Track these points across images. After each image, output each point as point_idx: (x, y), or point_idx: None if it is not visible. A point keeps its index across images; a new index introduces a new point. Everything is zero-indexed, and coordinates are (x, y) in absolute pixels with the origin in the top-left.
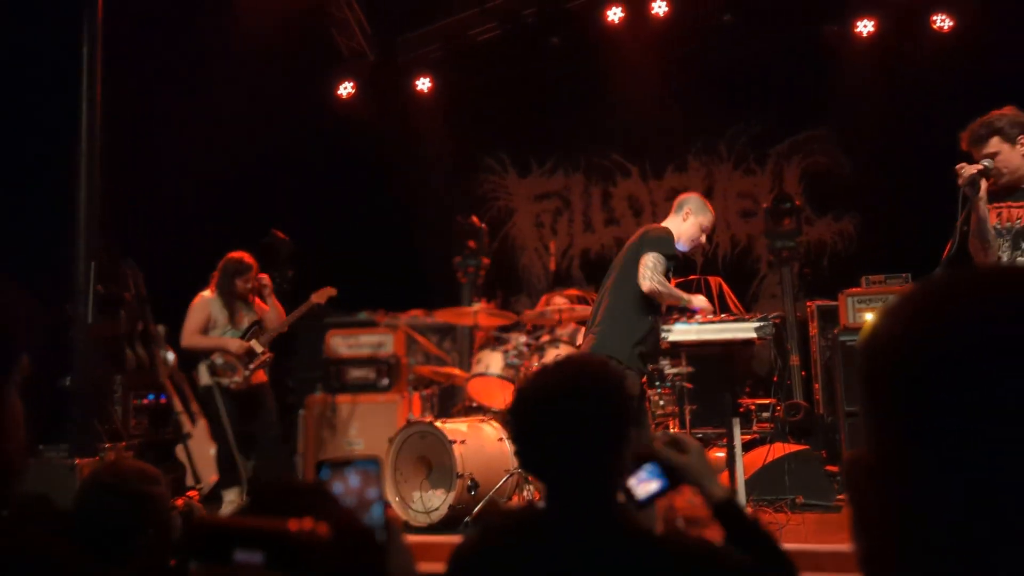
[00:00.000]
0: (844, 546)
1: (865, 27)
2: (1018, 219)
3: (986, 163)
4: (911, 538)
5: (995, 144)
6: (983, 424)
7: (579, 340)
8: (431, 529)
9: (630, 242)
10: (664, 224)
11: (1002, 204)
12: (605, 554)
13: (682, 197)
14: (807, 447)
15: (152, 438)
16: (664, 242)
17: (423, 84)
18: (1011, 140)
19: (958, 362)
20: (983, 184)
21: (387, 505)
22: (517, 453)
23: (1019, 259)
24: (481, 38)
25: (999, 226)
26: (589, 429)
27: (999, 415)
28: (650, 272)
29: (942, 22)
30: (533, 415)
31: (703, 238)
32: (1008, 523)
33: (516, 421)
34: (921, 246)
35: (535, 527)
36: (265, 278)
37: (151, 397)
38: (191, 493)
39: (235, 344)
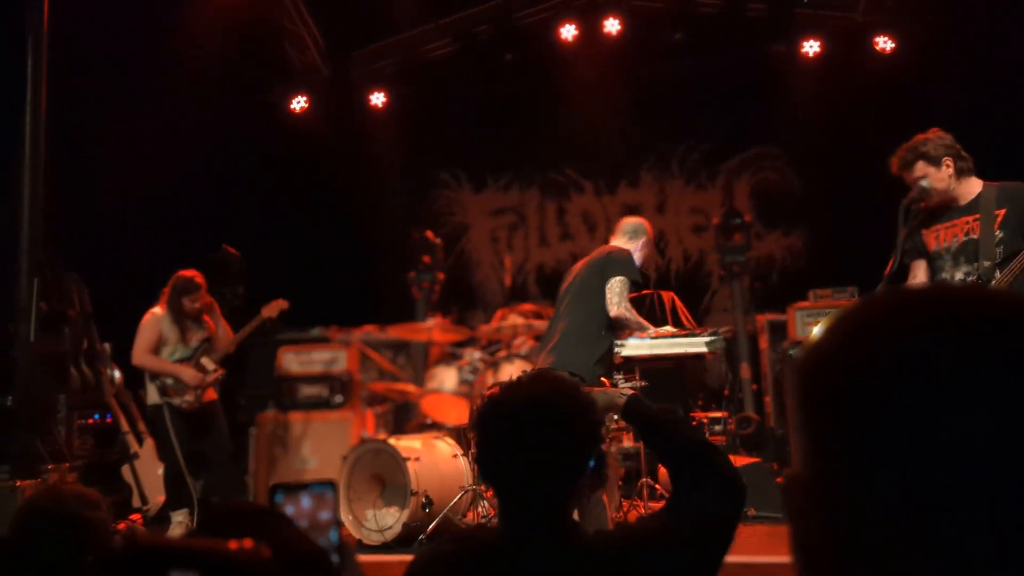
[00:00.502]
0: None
1: (811, 47)
2: (954, 238)
3: (923, 183)
4: (844, 555)
5: (921, 168)
6: (911, 441)
7: (536, 356)
8: (385, 548)
9: (588, 261)
10: (620, 246)
11: (939, 226)
12: (557, 572)
13: (634, 222)
14: (758, 459)
15: (97, 459)
16: (630, 266)
17: (377, 99)
18: (936, 163)
19: (885, 379)
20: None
21: (341, 526)
22: (478, 464)
23: (958, 276)
24: (435, 54)
25: (939, 248)
26: (555, 449)
27: (926, 432)
28: (618, 298)
29: (884, 43)
30: (500, 429)
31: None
32: (938, 539)
33: (482, 433)
34: (866, 261)
35: (487, 547)
36: (212, 301)
37: (96, 417)
38: (134, 516)
39: (189, 374)
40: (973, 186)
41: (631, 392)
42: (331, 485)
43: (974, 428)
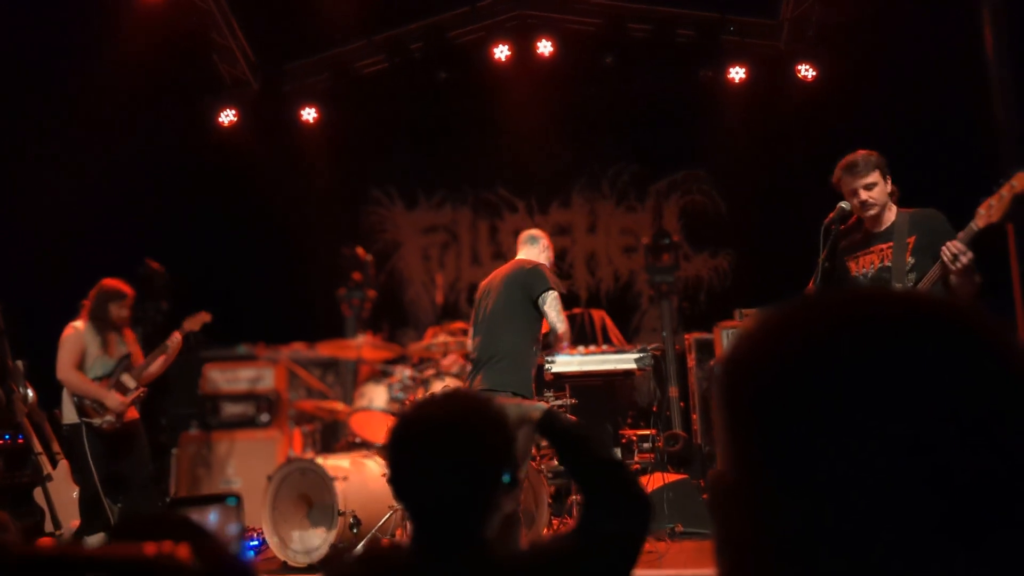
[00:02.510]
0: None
1: (737, 73)
2: (871, 264)
3: (843, 205)
4: (766, 555)
5: (875, 176)
6: (823, 442)
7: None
8: (311, 569)
9: (505, 276)
10: (529, 259)
11: (859, 253)
12: None
13: (531, 232)
14: (686, 476)
15: (8, 481)
16: (555, 280)
17: (308, 114)
18: (885, 176)
19: (795, 382)
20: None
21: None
22: (391, 483)
23: None
24: (368, 70)
25: (858, 274)
26: (466, 466)
27: (837, 433)
28: (558, 313)
29: (806, 71)
30: (411, 447)
31: None
32: (856, 539)
33: (393, 451)
34: (790, 281)
35: (398, 567)
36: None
37: (7, 437)
38: (44, 540)
39: (113, 401)
40: (891, 213)
41: (547, 406)
42: (233, 497)
43: (884, 427)
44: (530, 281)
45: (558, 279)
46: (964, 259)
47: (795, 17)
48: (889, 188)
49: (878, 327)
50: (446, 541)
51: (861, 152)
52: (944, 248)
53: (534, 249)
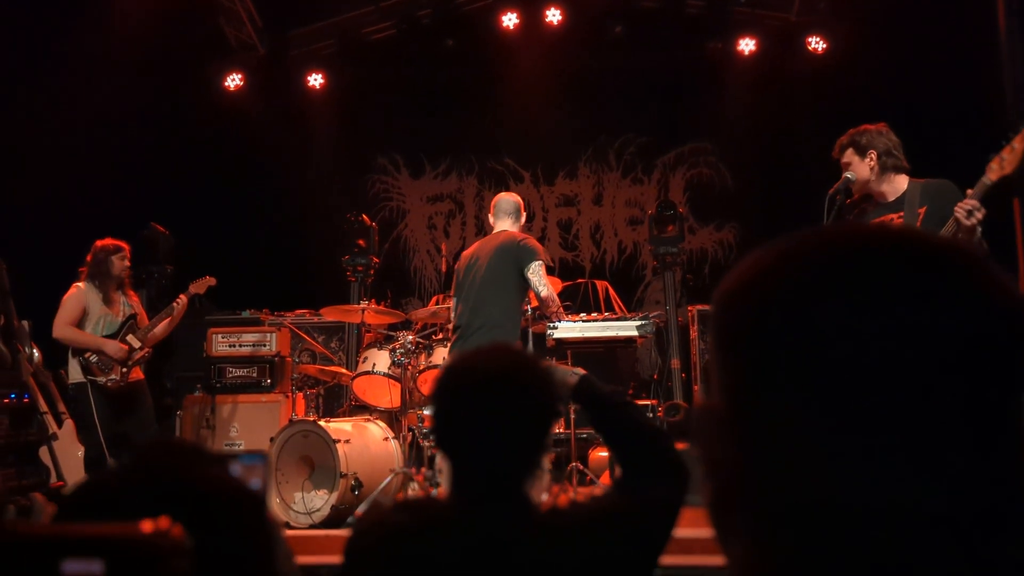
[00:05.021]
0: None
1: (747, 45)
2: None
3: (847, 174)
4: (753, 481)
5: (848, 155)
6: (812, 369)
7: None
8: (312, 530)
9: (494, 248)
10: (512, 230)
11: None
12: (513, 546)
13: (513, 201)
14: (686, 446)
15: (13, 439)
16: (541, 250)
17: (315, 80)
18: (861, 153)
19: (789, 308)
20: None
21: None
22: (435, 432)
23: None
24: (376, 36)
25: None
26: (516, 420)
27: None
28: (541, 278)
29: (816, 44)
30: (460, 397)
31: None
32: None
33: (441, 400)
34: None
35: (439, 518)
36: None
37: (13, 396)
38: (36, 494)
39: (112, 347)
40: (900, 183)
41: (583, 372)
42: (261, 455)
43: (872, 354)
44: (521, 254)
45: (544, 248)
46: (979, 214)
47: None
48: (872, 163)
49: (870, 257)
50: (488, 494)
51: (851, 130)
52: (958, 206)
53: (516, 222)
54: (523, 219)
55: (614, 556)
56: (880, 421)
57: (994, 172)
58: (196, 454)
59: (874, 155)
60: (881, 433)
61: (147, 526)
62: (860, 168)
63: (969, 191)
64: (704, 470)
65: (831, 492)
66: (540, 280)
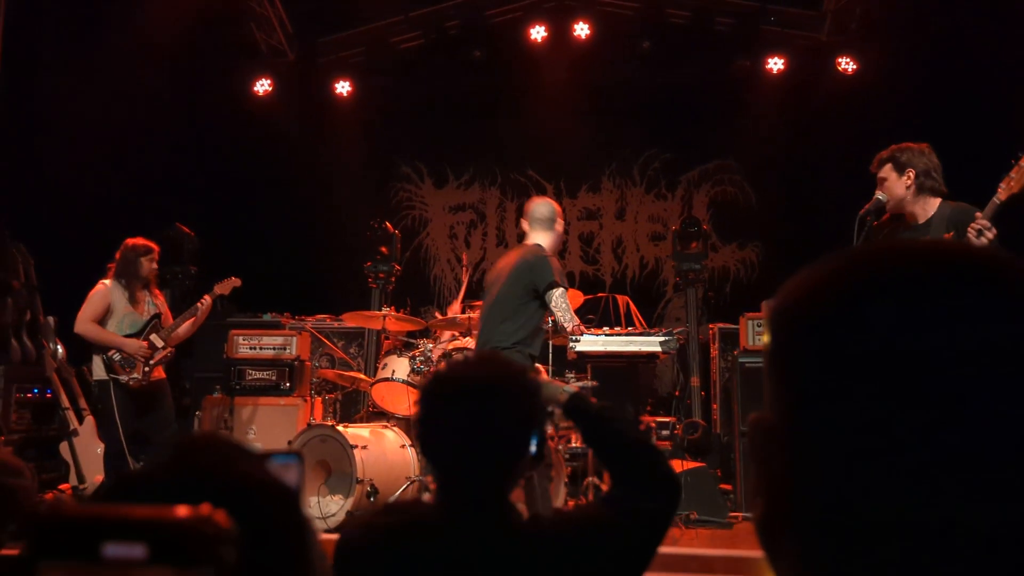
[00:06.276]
0: (734, 551)
1: (776, 64)
2: None
3: (879, 196)
4: (803, 496)
5: (886, 170)
6: (862, 385)
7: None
8: (329, 534)
9: (513, 264)
10: (541, 242)
11: None
12: (493, 552)
13: (539, 204)
14: (703, 464)
15: (35, 434)
16: (558, 269)
17: (343, 87)
18: (899, 170)
19: (842, 323)
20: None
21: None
22: (419, 439)
23: None
24: (404, 46)
25: None
26: (497, 429)
27: (877, 376)
28: (564, 312)
29: (847, 64)
30: (443, 405)
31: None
32: (884, 484)
33: (425, 408)
34: None
35: (422, 523)
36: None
37: (36, 391)
38: (63, 486)
39: (133, 346)
40: (931, 206)
41: (575, 389)
42: (296, 455)
43: (931, 368)
44: (535, 275)
45: (560, 265)
46: (989, 234)
47: (838, 9)
48: (909, 182)
49: (922, 274)
50: (469, 500)
51: (894, 146)
52: (969, 227)
53: (550, 231)
54: (560, 226)
55: (596, 567)
56: (940, 438)
57: (1003, 192)
58: (236, 449)
59: (912, 174)
60: (941, 450)
61: (183, 511)
62: (896, 185)
63: (978, 213)
64: (755, 486)
65: (887, 509)
66: (563, 314)
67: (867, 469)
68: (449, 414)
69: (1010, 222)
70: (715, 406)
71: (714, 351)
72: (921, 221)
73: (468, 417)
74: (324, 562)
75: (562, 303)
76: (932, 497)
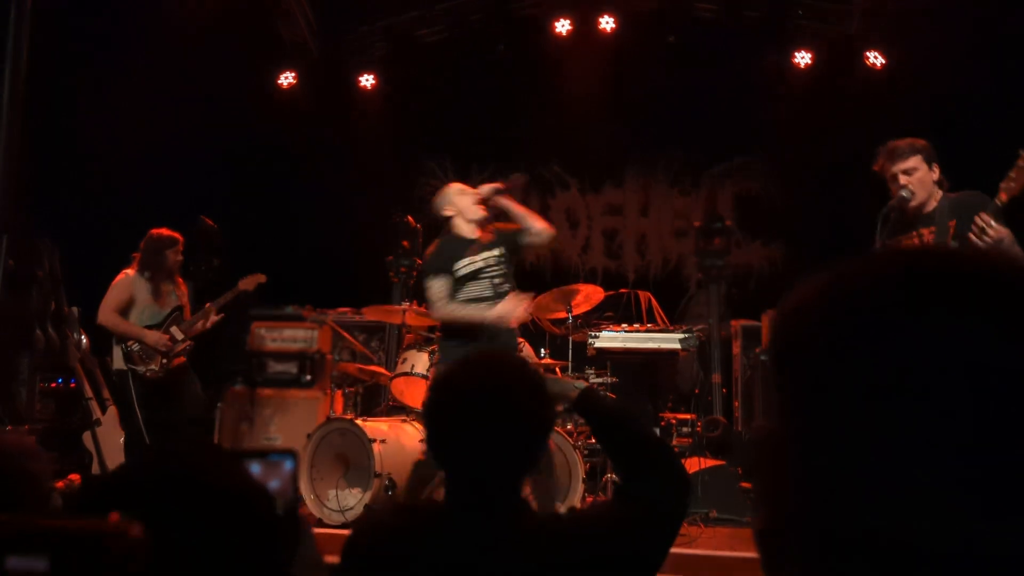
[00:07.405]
0: (753, 553)
1: (803, 58)
2: None
3: (903, 193)
4: (805, 509)
5: (916, 161)
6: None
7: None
8: (345, 527)
9: None
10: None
11: (901, 237)
12: (503, 552)
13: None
14: (723, 463)
15: (58, 423)
16: (430, 261)
17: (367, 81)
18: (930, 163)
19: (843, 333)
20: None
21: (299, 503)
22: (427, 441)
23: None
24: (428, 40)
25: None
26: (505, 429)
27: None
28: (431, 303)
29: (875, 59)
30: (450, 407)
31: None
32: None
33: (432, 410)
34: None
35: (432, 523)
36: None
37: (60, 381)
38: (73, 476)
39: (153, 338)
40: (937, 196)
41: (586, 384)
42: (290, 454)
43: (927, 383)
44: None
45: (434, 256)
46: (991, 232)
47: (868, 2)
48: (935, 176)
49: (926, 281)
50: (481, 501)
51: (901, 140)
52: (972, 224)
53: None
54: (448, 211)
55: (609, 564)
56: (958, 456)
57: (1004, 192)
58: (214, 451)
59: (938, 168)
60: (959, 468)
61: (89, 523)
62: (925, 177)
63: (982, 213)
64: (756, 496)
65: (896, 527)
66: (430, 304)
67: (881, 485)
68: (455, 416)
69: (1010, 222)
70: (736, 403)
71: (736, 348)
72: (926, 211)
73: (477, 419)
74: (318, 559)
75: (428, 295)
76: (954, 519)
